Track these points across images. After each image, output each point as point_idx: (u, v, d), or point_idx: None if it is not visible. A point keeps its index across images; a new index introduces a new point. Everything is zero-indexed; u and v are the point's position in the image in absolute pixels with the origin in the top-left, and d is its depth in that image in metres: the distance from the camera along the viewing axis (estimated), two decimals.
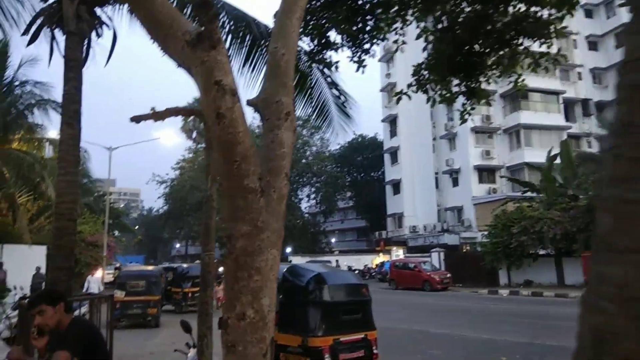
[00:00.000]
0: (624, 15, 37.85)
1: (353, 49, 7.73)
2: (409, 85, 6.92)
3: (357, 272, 37.83)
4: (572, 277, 23.12)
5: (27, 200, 21.66)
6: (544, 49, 6.19)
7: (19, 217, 19.15)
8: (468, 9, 6.14)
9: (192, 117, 59.73)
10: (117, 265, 28.84)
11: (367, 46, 7.62)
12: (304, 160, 46.87)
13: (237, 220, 2.10)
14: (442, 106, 40.20)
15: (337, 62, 8.24)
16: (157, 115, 3.31)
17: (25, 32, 6.48)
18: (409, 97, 6.89)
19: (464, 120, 7.22)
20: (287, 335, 5.81)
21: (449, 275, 25.93)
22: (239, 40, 8.08)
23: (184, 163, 46.21)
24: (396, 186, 42.75)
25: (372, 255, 45.08)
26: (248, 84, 8.21)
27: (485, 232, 33.59)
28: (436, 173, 39.88)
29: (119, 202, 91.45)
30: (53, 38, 6.46)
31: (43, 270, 19.32)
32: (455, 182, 38.18)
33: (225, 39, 8.01)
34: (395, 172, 42.59)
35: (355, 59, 7.70)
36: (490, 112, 36.78)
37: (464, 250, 34.48)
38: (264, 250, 2.16)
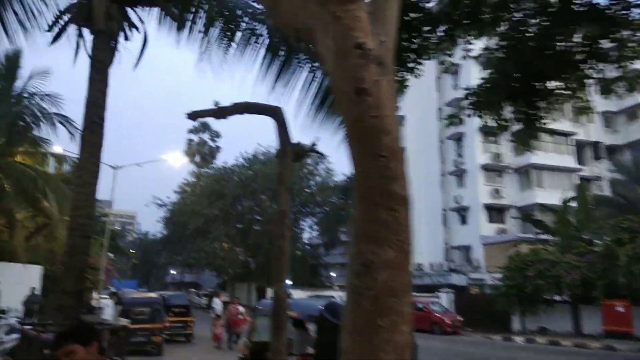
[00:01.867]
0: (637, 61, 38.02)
1: (396, 67, 7.24)
2: (462, 109, 6.39)
3: None
4: (589, 326, 22.09)
5: (24, 217, 20.91)
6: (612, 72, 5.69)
7: (16, 234, 18.34)
8: (533, 28, 5.67)
9: (197, 139, 59.25)
10: (112, 290, 27.67)
11: (411, 65, 7.12)
12: (307, 190, 46.22)
13: (380, 242, 1.44)
14: (451, 141, 39.89)
15: None
16: (220, 112, 2.72)
17: (50, 29, 5.97)
18: (461, 120, 6.35)
19: (520, 152, 6.64)
20: None
21: (459, 318, 24.84)
22: (272, 53, 7.60)
23: (186, 187, 45.52)
24: None
25: None
26: (282, 101, 7.70)
27: (495, 274, 32.70)
28: (443, 210, 39.17)
29: (115, 224, 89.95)
30: (80, 36, 5.94)
31: (38, 292, 18.41)
32: (463, 220, 37.43)
33: (260, 49, 7.56)
34: None
35: (398, 77, 7.20)
36: (500, 149, 36.45)
37: (473, 292, 33.42)
38: (410, 288, 1.51)
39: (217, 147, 58.73)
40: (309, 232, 49.58)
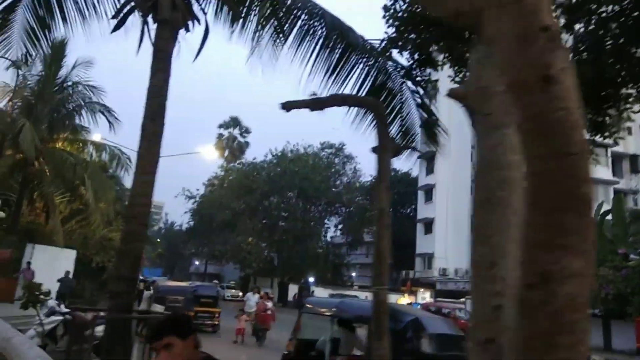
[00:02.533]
0: None
1: (456, 67, 7.03)
2: None
3: None
4: (620, 341, 21.38)
5: (60, 201, 21.37)
6: None
7: (55, 217, 18.75)
8: (609, 37, 5.39)
9: (227, 134, 59.67)
10: (142, 277, 28.03)
11: None
12: (334, 189, 46.16)
13: (564, 251, 1.29)
14: None
15: (436, 80, 7.56)
16: (316, 103, 2.59)
17: (115, 16, 5.98)
18: None
19: None
20: None
21: None
22: (328, 50, 7.47)
23: (215, 180, 45.99)
24: (428, 225, 41.48)
25: (393, 294, 43.48)
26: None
27: None
28: (472, 215, 38.48)
29: None
30: (145, 24, 5.93)
31: (72, 276, 18.79)
32: None
33: (315, 46, 7.45)
34: (429, 210, 41.42)
35: (458, 78, 6.99)
36: None
37: None
38: (588, 301, 1.36)
39: (246, 143, 59.08)
40: (333, 231, 49.51)
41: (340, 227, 48.69)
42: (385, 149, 2.51)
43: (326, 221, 47.95)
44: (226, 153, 58.26)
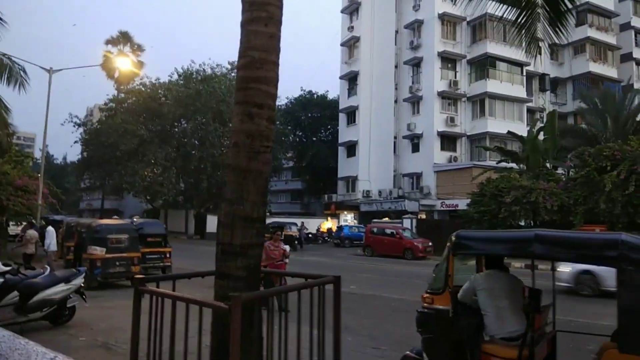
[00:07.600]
0: None
1: None
2: None
3: (310, 235, 35.64)
4: None
5: None
6: None
7: None
8: None
9: (116, 53, 51.66)
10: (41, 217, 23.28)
11: None
12: None
13: None
14: (408, 67, 38.99)
15: None
16: None
17: None
18: None
19: None
20: None
21: (430, 243, 24.53)
22: None
23: (112, 104, 39.85)
24: (351, 148, 40.67)
25: (317, 218, 43.09)
26: None
27: (446, 201, 33.08)
28: (395, 137, 38.36)
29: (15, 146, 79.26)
30: None
31: None
32: (415, 148, 36.98)
33: None
34: (352, 133, 40.42)
35: None
36: (457, 77, 35.79)
37: (421, 218, 33.69)
38: None
39: (140, 62, 51.96)
40: None
41: None
42: None
43: None
44: (117, 74, 50.99)
